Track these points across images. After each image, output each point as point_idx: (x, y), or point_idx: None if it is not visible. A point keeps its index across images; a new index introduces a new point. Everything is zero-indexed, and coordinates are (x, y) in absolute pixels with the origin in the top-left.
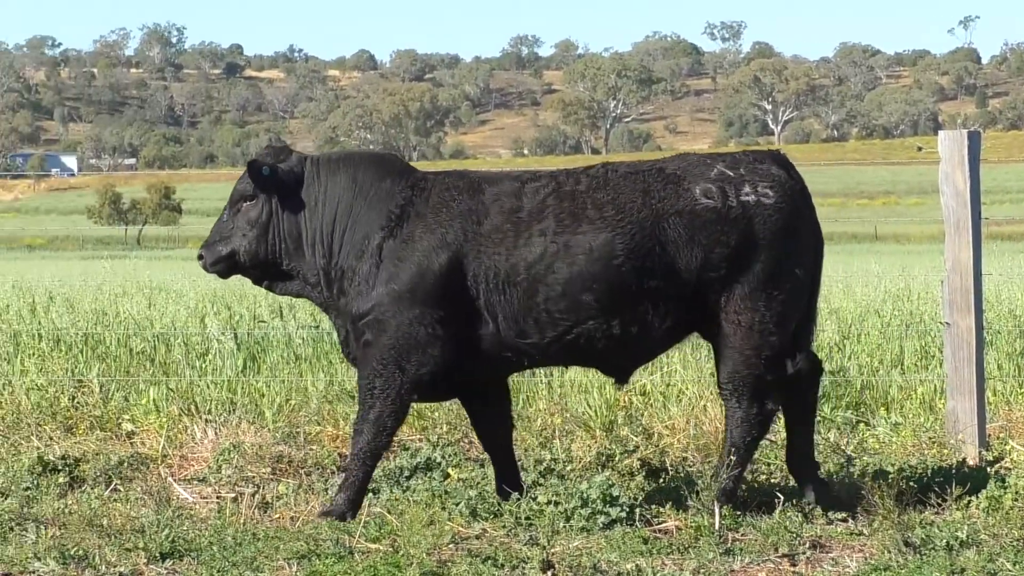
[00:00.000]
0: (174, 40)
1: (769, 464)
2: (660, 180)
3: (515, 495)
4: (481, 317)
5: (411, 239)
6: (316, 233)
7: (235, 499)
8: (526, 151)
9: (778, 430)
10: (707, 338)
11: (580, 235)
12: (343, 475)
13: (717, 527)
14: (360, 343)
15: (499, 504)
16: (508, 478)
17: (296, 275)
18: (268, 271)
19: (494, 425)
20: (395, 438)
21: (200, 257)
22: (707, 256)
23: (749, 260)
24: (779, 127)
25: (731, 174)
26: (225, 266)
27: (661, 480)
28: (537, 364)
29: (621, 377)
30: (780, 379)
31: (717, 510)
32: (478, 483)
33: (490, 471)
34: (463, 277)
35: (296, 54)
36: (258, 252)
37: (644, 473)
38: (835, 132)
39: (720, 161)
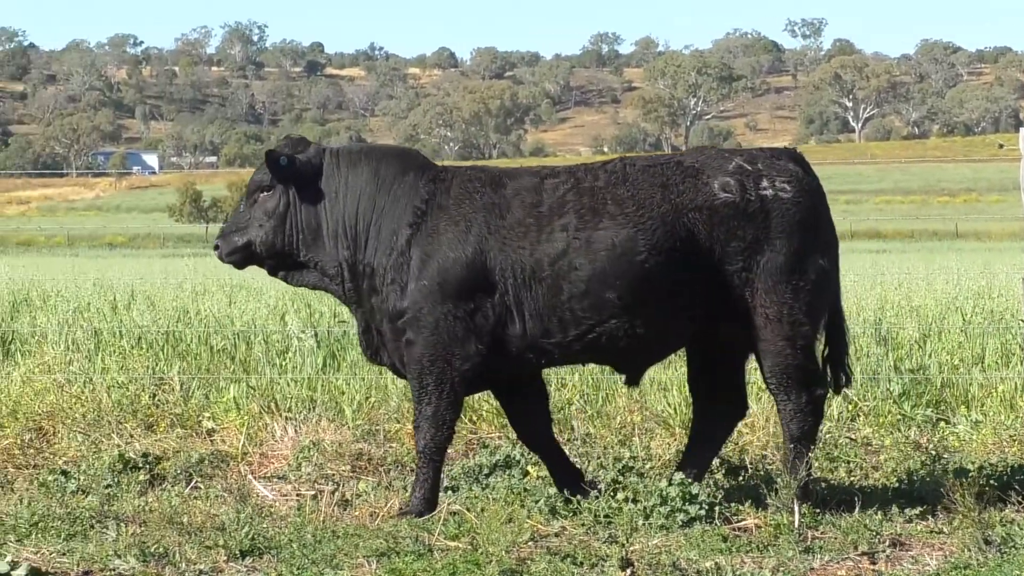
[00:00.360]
0: (255, 38)
1: (848, 462)
2: (679, 174)
3: (592, 492)
4: (510, 314)
5: (436, 232)
6: (338, 225)
7: (315, 497)
8: (606, 149)
9: (859, 427)
10: (733, 333)
11: (601, 231)
12: (415, 475)
13: (796, 525)
14: (404, 343)
15: (578, 502)
16: (563, 470)
17: (313, 266)
18: (284, 262)
19: (532, 422)
20: (475, 435)
21: (216, 247)
22: (725, 250)
23: (769, 253)
24: (860, 124)
25: (749, 168)
26: (241, 256)
27: (740, 478)
28: (556, 363)
29: (634, 377)
30: (817, 367)
31: (796, 508)
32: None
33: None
34: (489, 270)
35: (377, 52)
36: (275, 243)
37: (723, 471)
38: (916, 129)
39: (738, 155)
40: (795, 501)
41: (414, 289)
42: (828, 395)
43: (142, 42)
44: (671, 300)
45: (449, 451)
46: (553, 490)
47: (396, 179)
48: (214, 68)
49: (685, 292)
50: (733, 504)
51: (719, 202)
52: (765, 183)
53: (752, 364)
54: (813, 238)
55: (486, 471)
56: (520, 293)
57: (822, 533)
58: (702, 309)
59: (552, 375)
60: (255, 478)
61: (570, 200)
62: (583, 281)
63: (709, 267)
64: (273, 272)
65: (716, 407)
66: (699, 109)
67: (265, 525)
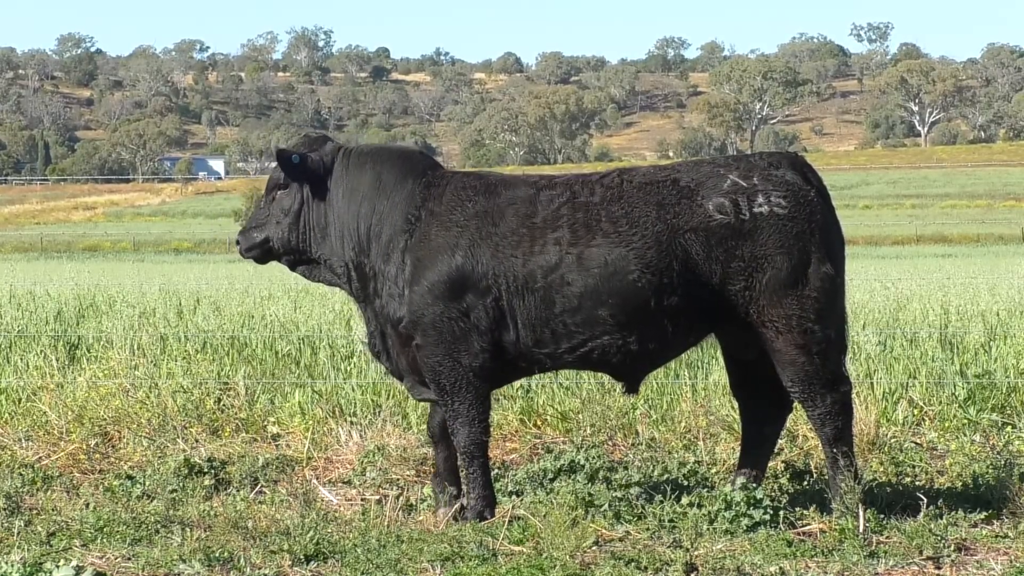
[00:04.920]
0: (321, 44)
1: (913, 466)
2: (674, 193)
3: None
4: (503, 320)
5: (427, 238)
6: (344, 225)
7: (379, 501)
8: (671, 153)
9: (924, 432)
10: (751, 337)
11: (594, 248)
12: (465, 479)
13: (861, 530)
14: (414, 348)
15: (642, 506)
16: (445, 476)
17: (324, 264)
18: (300, 258)
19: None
20: (539, 439)
21: (238, 243)
22: (725, 270)
23: (771, 271)
24: (926, 129)
25: (744, 184)
26: (260, 252)
27: (805, 482)
28: (547, 371)
29: (632, 385)
30: (838, 369)
31: (861, 512)
32: (623, 485)
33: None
34: (481, 275)
35: (442, 57)
36: (290, 240)
37: (788, 475)
38: (982, 133)
39: (734, 170)
40: (860, 505)
41: (411, 294)
42: (851, 390)
43: (208, 48)
44: (667, 318)
45: (513, 456)
46: (618, 494)
47: (396, 184)
48: (280, 73)
49: (683, 310)
50: (798, 509)
51: (714, 223)
52: (760, 199)
53: None
54: (814, 248)
55: (550, 476)
56: (513, 301)
57: (887, 538)
58: (707, 325)
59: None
60: (320, 483)
61: (564, 214)
62: (576, 296)
63: (709, 287)
64: (292, 267)
65: (761, 407)
66: (765, 113)
67: (330, 530)
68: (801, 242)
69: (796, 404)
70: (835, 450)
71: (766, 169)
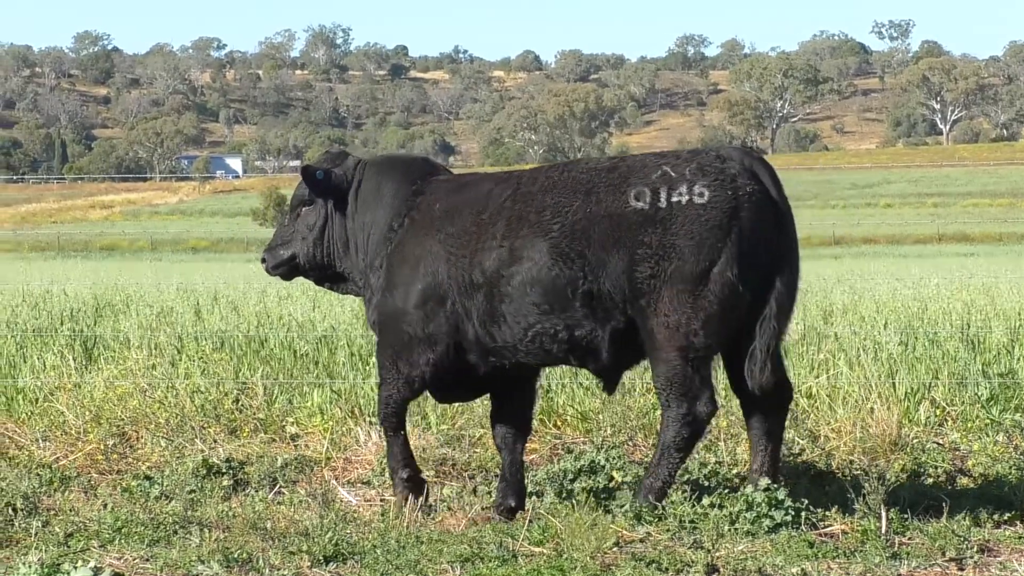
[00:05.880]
0: (339, 41)
1: (936, 467)
2: (603, 182)
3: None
4: (461, 320)
5: (401, 244)
6: (357, 237)
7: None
8: None
9: (947, 432)
10: (646, 338)
11: (520, 239)
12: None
13: (884, 531)
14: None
15: (663, 507)
16: (512, 486)
17: (349, 276)
18: (325, 273)
19: (508, 426)
20: (559, 440)
21: (263, 260)
22: (632, 257)
23: (675, 259)
24: (947, 127)
25: (673, 174)
26: (286, 269)
27: (827, 483)
28: (520, 361)
29: (608, 384)
30: (708, 382)
31: (884, 513)
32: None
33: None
34: (440, 280)
35: (461, 55)
36: (315, 255)
37: (810, 476)
38: (1004, 131)
39: (672, 161)
40: (882, 506)
41: (380, 301)
42: (712, 413)
43: (226, 45)
44: (588, 307)
45: (533, 456)
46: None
47: (391, 193)
48: (298, 71)
49: (601, 298)
50: (820, 510)
51: (629, 210)
52: (683, 189)
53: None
54: (727, 246)
55: (570, 476)
56: (464, 299)
57: (909, 539)
58: (626, 316)
59: (637, 379)
60: (339, 483)
61: (506, 207)
62: (509, 286)
63: (618, 274)
64: (319, 283)
65: (762, 401)
66: (785, 111)
67: (349, 530)
68: (713, 236)
69: (794, 396)
70: (662, 453)
71: (708, 162)
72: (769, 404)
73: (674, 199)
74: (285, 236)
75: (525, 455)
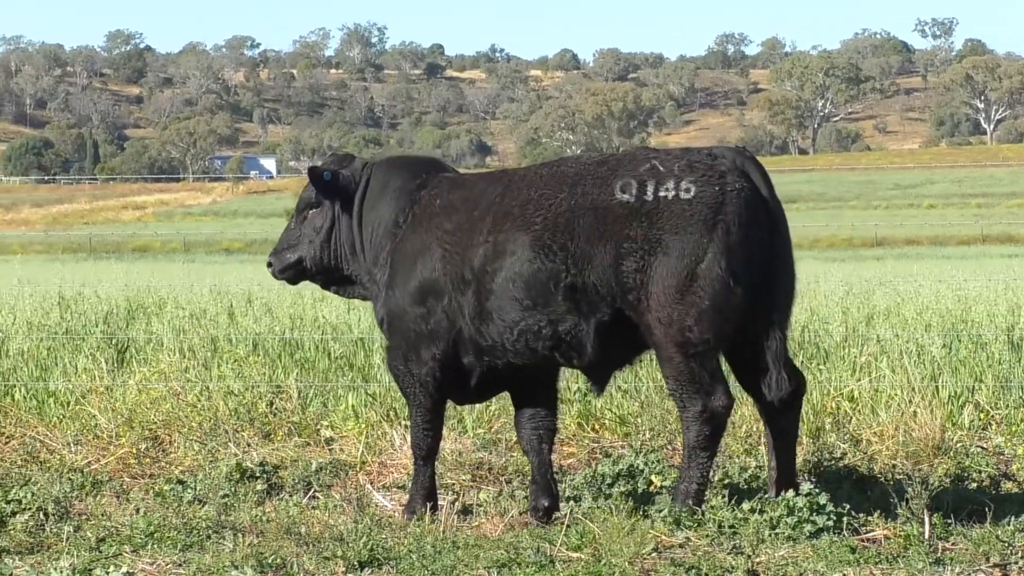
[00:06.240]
0: (375, 40)
1: (980, 471)
2: (592, 175)
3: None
4: (458, 315)
5: (403, 241)
6: (364, 239)
7: (435, 507)
8: None
9: (991, 436)
10: (644, 337)
11: (504, 233)
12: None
13: (927, 536)
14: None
15: (703, 512)
16: (543, 487)
17: (356, 279)
18: (332, 276)
19: (532, 429)
20: (597, 444)
21: (269, 264)
22: (618, 251)
23: (660, 252)
24: (991, 126)
25: (662, 169)
26: (293, 273)
27: (869, 488)
28: (514, 360)
29: (597, 383)
30: (718, 376)
31: (927, 518)
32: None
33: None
34: (438, 275)
35: (498, 54)
36: (323, 258)
37: (852, 480)
38: None
39: (663, 157)
40: (925, 511)
41: (385, 297)
42: (728, 406)
43: (259, 44)
44: (571, 300)
45: (571, 460)
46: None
47: (397, 190)
48: (333, 71)
49: (587, 292)
50: (862, 514)
51: (614, 203)
52: (670, 184)
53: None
54: (713, 241)
55: (608, 480)
56: (458, 295)
57: (953, 544)
58: (613, 311)
59: None
60: (374, 488)
61: (495, 203)
62: (494, 279)
63: (607, 268)
64: (325, 287)
65: (770, 400)
66: (827, 111)
67: (384, 535)
68: (698, 232)
69: (804, 394)
70: (689, 455)
71: (698, 159)
72: (783, 400)
73: (660, 193)
74: (291, 240)
75: (564, 459)
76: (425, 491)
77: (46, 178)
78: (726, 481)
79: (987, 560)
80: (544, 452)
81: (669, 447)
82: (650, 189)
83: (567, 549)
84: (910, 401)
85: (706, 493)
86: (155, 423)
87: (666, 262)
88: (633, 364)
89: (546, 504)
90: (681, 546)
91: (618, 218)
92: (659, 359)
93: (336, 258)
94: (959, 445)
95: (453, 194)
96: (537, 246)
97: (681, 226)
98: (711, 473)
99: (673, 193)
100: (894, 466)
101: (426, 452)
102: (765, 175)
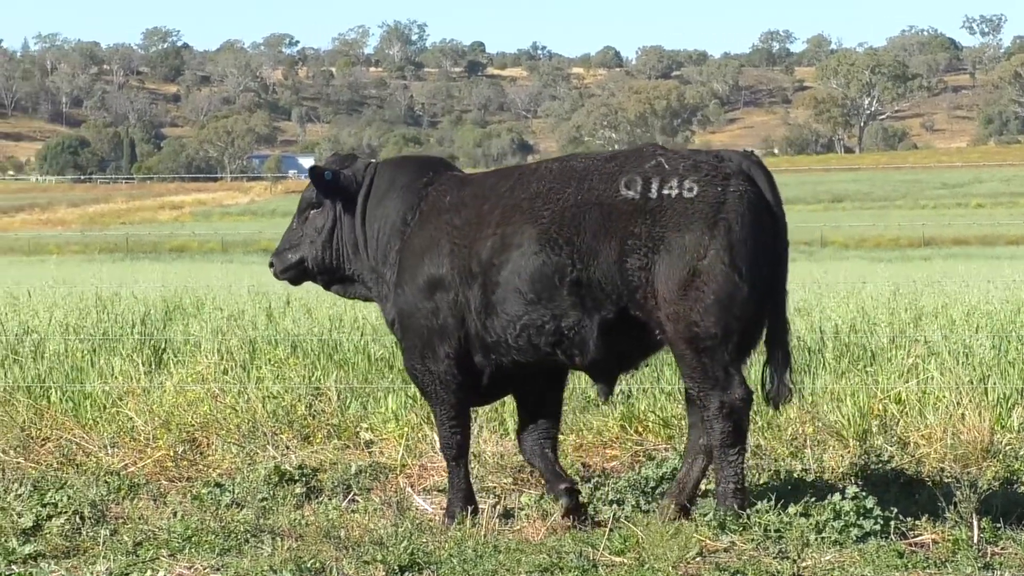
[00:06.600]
0: (414, 38)
1: None
2: (600, 171)
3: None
4: (465, 310)
5: (411, 239)
6: (369, 237)
7: (476, 510)
8: (776, 150)
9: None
10: (648, 337)
11: (512, 226)
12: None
13: (976, 540)
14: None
15: (747, 516)
16: (554, 477)
17: (358, 279)
18: (334, 276)
19: (532, 438)
20: (640, 447)
21: (271, 265)
22: (623, 247)
23: (663, 250)
24: None
25: (667, 167)
26: (295, 273)
27: (916, 491)
28: (517, 358)
29: (604, 384)
30: (732, 370)
31: (976, 522)
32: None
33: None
34: (446, 268)
35: (539, 51)
36: (324, 258)
37: (899, 484)
38: None
39: (669, 155)
40: (974, 515)
41: (395, 296)
42: (746, 398)
43: (298, 42)
44: (579, 295)
45: (614, 463)
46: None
47: (403, 189)
48: (372, 69)
49: (592, 288)
50: (909, 519)
51: (619, 199)
52: (673, 182)
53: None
54: (715, 239)
55: (652, 484)
56: (465, 289)
57: (1002, 549)
58: (618, 308)
59: None
60: (414, 491)
61: (504, 196)
62: (500, 273)
63: (613, 264)
64: (327, 287)
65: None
66: (873, 109)
67: (425, 539)
68: (700, 230)
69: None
70: (721, 457)
71: (704, 160)
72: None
73: (664, 191)
74: (293, 240)
75: (607, 462)
76: (462, 492)
77: (82, 177)
78: (771, 484)
79: None
80: (548, 455)
81: None
82: (655, 187)
83: (610, 553)
84: (958, 403)
85: (746, 490)
86: (193, 425)
87: (669, 259)
88: (638, 368)
89: (565, 485)
90: (726, 550)
91: (623, 215)
92: (676, 359)
93: (338, 258)
94: (1008, 448)
95: (463, 190)
96: (544, 239)
97: (684, 224)
98: (745, 472)
99: (677, 191)
100: (942, 469)
101: (456, 451)
102: (771, 181)
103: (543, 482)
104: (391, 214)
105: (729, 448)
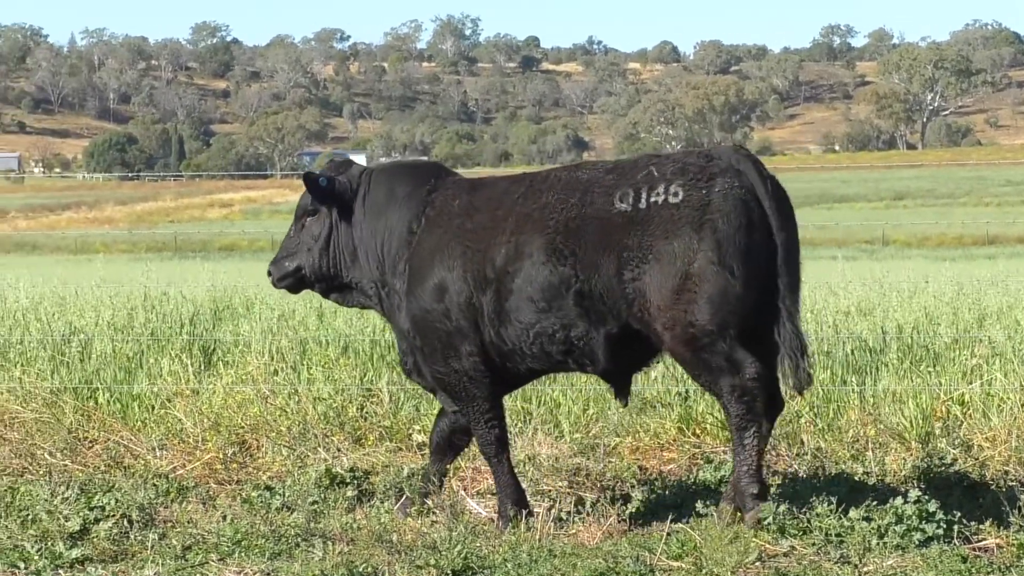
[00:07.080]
0: (468, 32)
1: None
2: (601, 183)
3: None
4: (477, 313)
5: (420, 244)
6: (367, 245)
7: (530, 513)
8: (837, 147)
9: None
10: (659, 343)
11: (524, 235)
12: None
13: None
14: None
15: (808, 519)
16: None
17: (356, 287)
18: (332, 284)
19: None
20: (698, 449)
21: (269, 273)
22: (620, 260)
23: (652, 258)
24: None
25: (656, 174)
26: (292, 281)
27: (980, 495)
28: (532, 365)
29: (619, 390)
30: (734, 353)
31: None
32: (788, 497)
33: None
34: (458, 271)
35: (595, 46)
36: (321, 266)
37: (962, 487)
38: None
39: (659, 161)
40: None
41: (408, 304)
42: (758, 375)
43: (349, 37)
44: (583, 307)
45: (671, 466)
46: (783, 507)
47: (405, 197)
48: (425, 64)
49: (595, 300)
50: (973, 523)
51: (614, 212)
52: (660, 189)
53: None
54: (703, 242)
55: (711, 487)
56: (479, 294)
57: None
58: (620, 318)
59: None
60: (468, 494)
61: (518, 203)
62: (513, 282)
63: (612, 277)
64: (325, 295)
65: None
66: (936, 104)
67: (478, 543)
68: (688, 235)
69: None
70: (737, 438)
71: (692, 161)
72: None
73: (652, 199)
74: (290, 248)
75: (663, 464)
76: (511, 491)
77: (130, 175)
78: (832, 488)
79: None
80: (450, 459)
81: (773, 452)
82: (644, 196)
83: (667, 558)
84: (1023, 405)
85: (762, 475)
86: (242, 427)
87: (660, 268)
88: (651, 367)
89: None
90: (786, 555)
91: (618, 228)
92: (677, 363)
93: (335, 265)
94: None
95: (473, 195)
96: (550, 249)
97: (671, 231)
98: (763, 456)
99: (663, 198)
100: (1006, 472)
101: (496, 446)
102: (763, 174)
103: (426, 479)
104: (396, 225)
105: (744, 431)
